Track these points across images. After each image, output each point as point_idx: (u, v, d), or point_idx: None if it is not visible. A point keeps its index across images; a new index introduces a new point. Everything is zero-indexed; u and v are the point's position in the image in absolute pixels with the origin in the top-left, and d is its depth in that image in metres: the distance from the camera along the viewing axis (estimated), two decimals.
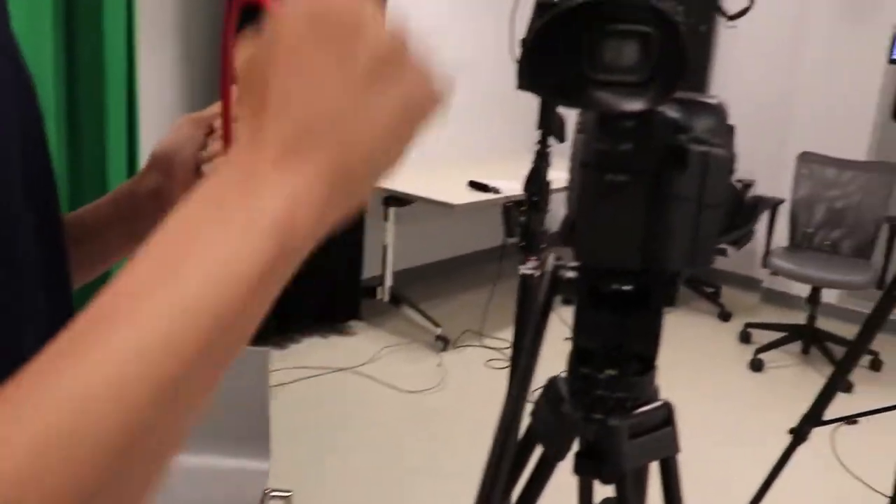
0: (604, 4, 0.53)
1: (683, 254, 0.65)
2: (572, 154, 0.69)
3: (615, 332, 0.75)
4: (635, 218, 0.63)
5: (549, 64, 0.55)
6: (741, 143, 5.02)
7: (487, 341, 4.30)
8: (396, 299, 4.47)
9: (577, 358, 0.77)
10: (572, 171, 0.68)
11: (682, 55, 0.52)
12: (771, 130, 5.11)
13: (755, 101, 5.16)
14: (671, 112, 0.64)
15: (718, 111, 0.81)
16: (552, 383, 0.82)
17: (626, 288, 0.72)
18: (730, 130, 0.83)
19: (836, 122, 4.77)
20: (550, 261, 0.81)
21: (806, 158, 4.50)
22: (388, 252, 4.34)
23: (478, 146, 5.28)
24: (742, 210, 0.65)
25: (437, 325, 4.25)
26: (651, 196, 0.63)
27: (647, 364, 0.76)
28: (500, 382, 3.82)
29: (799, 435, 2.09)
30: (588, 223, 0.66)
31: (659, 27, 0.52)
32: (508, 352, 4.15)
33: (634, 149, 0.62)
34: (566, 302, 0.78)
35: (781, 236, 4.55)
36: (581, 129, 0.67)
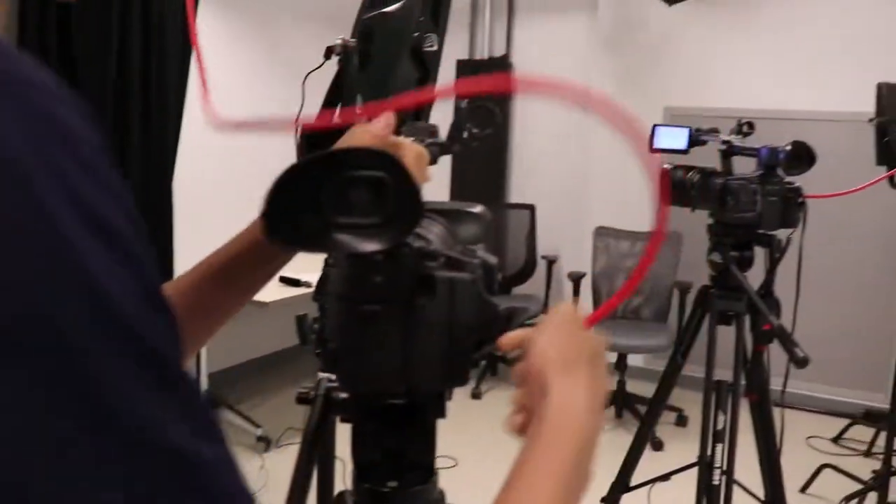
0: (338, 154, 0.59)
1: (440, 374, 0.68)
2: (328, 286, 0.72)
3: (391, 444, 0.77)
4: (392, 345, 0.66)
5: (293, 212, 0.57)
6: (545, 221, 5.26)
7: None
8: (213, 402, 4.27)
9: (359, 474, 0.78)
10: (328, 302, 0.71)
11: (415, 196, 0.58)
12: (570, 207, 5.41)
13: (555, 181, 5.45)
14: (418, 242, 0.67)
15: (481, 219, 0.85)
16: (340, 498, 0.82)
17: (396, 402, 0.75)
18: (493, 236, 0.88)
19: (626, 196, 5.13)
20: (324, 381, 0.83)
21: (601, 232, 4.79)
22: (200, 355, 4.16)
23: None
24: (497, 323, 0.70)
25: (257, 425, 4.09)
26: (405, 323, 0.66)
27: (427, 472, 0.78)
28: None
29: (611, 503, 2.16)
30: (348, 353, 0.68)
31: (390, 171, 0.56)
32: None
33: (385, 280, 0.65)
34: (344, 421, 0.79)
35: (587, 307, 4.78)
36: (333, 263, 0.71)
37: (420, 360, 0.68)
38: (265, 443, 4.03)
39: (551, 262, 5.16)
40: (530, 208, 5.33)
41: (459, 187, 5.87)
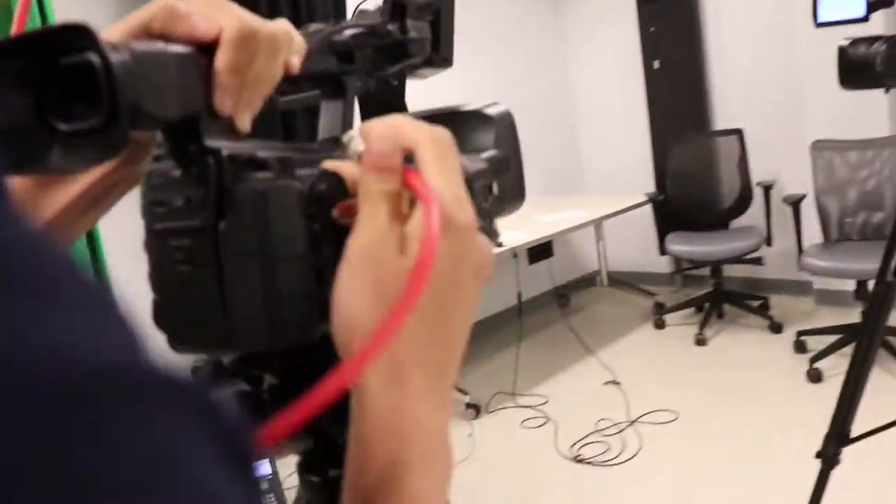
0: (37, 36, 0.43)
1: (262, 328, 0.48)
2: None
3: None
4: (206, 289, 0.48)
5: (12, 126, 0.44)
6: (755, 144, 4.81)
7: (522, 400, 4.06)
8: None
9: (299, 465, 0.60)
10: (147, 244, 0.52)
11: (131, 84, 0.43)
12: (781, 125, 4.85)
13: (762, 98, 4.92)
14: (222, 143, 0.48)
15: (495, 122, 0.67)
16: None
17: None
18: (511, 140, 0.67)
19: (847, 99, 4.47)
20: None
21: (820, 146, 4.22)
22: None
23: None
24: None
25: (464, 393, 4.03)
26: (214, 258, 0.47)
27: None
28: (535, 442, 3.58)
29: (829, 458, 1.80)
30: (168, 304, 0.50)
31: (98, 52, 0.42)
32: (543, 408, 3.92)
33: (185, 203, 0.48)
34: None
35: (814, 233, 4.24)
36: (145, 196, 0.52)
37: (238, 307, 0.49)
38: (475, 409, 3.96)
39: (768, 188, 4.64)
40: (738, 133, 4.83)
41: (656, 120, 5.47)
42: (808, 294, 4.93)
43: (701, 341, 4.50)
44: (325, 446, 0.58)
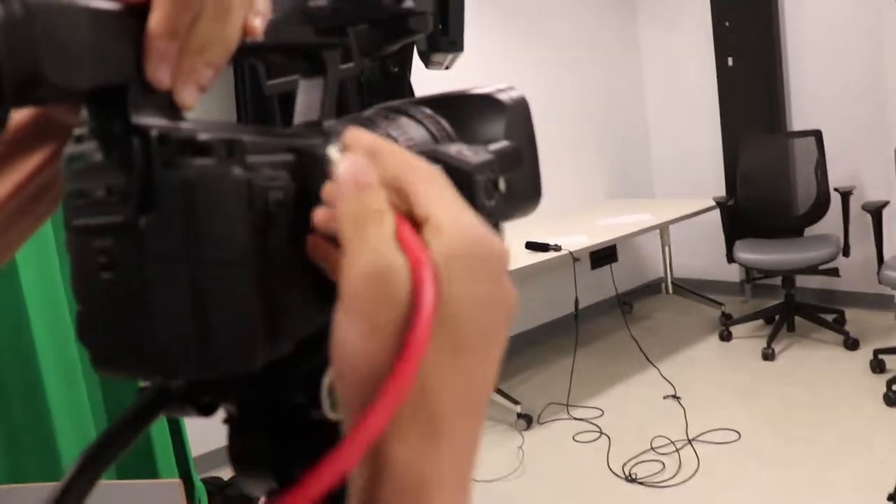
0: None
1: (192, 351, 0.38)
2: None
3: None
4: (129, 302, 0.39)
5: None
6: (834, 147, 4.57)
7: (576, 412, 3.90)
8: None
9: None
10: (67, 243, 0.43)
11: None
12: (863, 127, 4.58)
13: (843, 99, 4.65)
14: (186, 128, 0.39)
15: (506, 108, 0.57)
16: None
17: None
18: (526, 131, 0.57)
19: None
20: None
21: None
22: None
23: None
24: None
25: (516, 402, 3.89)
26: (136, 261, 0.38)
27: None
28: (587, 458, 3.42)
29: None
30: (90, 317, 0.41)
31: None
32: (598, 421, 3.75)
33: (106, 193, 0.39)
34: None
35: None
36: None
37: (161, 325, 0.38)
38: (526, 420, 3.82)
39: (846, 195, 4.36)
40: (816, 134, 4.56)
41: (729, 119, 5.23)
42: (888, 309, 4.63)
43: (769, 356, 4.26)
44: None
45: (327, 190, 0.37)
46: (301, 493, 0.33)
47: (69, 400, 2.67)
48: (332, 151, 0.40)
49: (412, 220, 0.36)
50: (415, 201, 0.36)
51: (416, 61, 1.03)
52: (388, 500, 0.34)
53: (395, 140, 0.49)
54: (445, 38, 0.73)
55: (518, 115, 0.56)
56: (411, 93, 0.66)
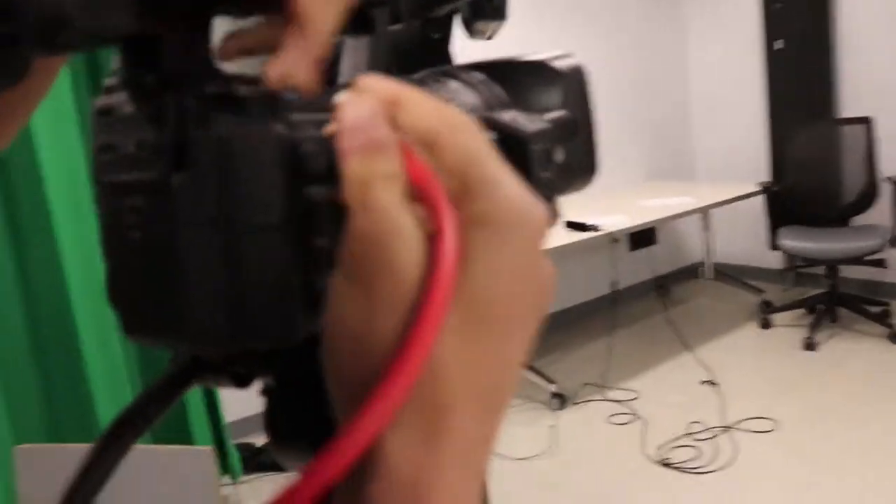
0: None
1: (222, 320, 0.36)
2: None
3: None
4: (159, 265, 0.37)
5: None
6: (887, 135, 4.47)
7: (611, 393, 3.87)
8: None
9: None
10: (96, 200, 0.41)
11: None
12: None
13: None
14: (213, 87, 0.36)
15: (564, 77, 0.55)
16: None
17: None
18: (583, 101, 0.55)
19: None
20: None
21: None
22: None
23: None
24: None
25: (551, 381, 3.86)
26: (169, 223, 0.36)
27: None
28: (620, 440, 3.39)
29: None
30: (120, 278, 0.39)
31: None
32: (633, 404, 3.72)
33: (137, 151, 0.37)
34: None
35: None
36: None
37: (191, 291, 0.36)
38: (560, 399, 3.80)
39: None
40: (866, 122, 4.44)
41: (776, 104, 5.11)
42: None
43: (810, 346, 4.19)
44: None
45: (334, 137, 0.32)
46: (300, 492, 0.30)
47: (105, 361, 2.70)
48: (341, 95, 0.36)
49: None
50: (444, 157, 0.32)
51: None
52: (381, 497, 0.30)
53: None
54: (490, 5, 0.70)
55: (575, 84, 0.54)
56: (452, 63, 0.64)
